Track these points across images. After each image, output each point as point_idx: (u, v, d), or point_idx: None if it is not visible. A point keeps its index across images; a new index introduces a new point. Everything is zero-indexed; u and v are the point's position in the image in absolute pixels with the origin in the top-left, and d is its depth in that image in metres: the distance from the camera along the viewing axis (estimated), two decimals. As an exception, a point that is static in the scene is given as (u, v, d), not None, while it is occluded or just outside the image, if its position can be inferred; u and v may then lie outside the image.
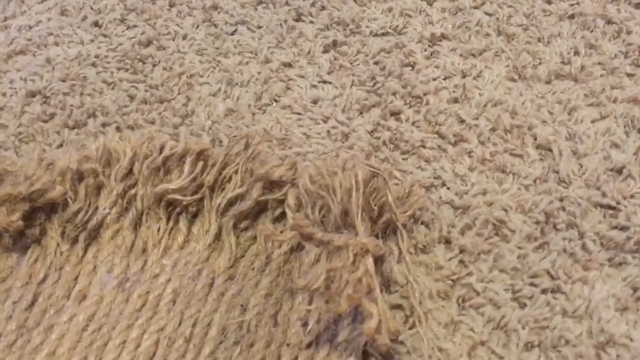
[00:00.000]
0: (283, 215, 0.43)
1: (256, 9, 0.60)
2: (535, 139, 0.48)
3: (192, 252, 0.42)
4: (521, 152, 0.47)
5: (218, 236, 0.43)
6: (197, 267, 0.42)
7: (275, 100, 0.53)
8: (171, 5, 0.61)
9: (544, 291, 0.40)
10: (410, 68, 0.54)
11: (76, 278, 0.42)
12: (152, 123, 0.52)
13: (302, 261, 0.40)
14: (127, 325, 0.40)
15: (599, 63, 0.53)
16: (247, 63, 0.56)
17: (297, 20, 0.59)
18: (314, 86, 0.53)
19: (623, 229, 0.42)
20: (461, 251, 0.42)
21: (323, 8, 0.59)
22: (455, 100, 0.51)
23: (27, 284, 0.42)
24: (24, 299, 0.41)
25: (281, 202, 0.43)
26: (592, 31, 0.55)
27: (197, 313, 0.39)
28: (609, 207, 0.44)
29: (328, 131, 0.50)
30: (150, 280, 0.42)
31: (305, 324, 0.38)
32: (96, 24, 0.60)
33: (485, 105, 0.50)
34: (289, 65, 0.55)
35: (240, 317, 0.39)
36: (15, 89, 0.55)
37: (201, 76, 0.55)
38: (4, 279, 0.42)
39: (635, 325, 0.39)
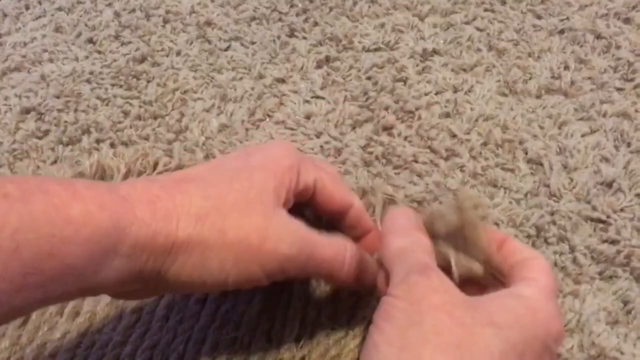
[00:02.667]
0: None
1: (250, 25, 0.61)
2: (526, 154, 0.48)
3: (185, 268, 0.43)
4: (512, 166, 0.48)
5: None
6: (191, 283, 0.42)
7: (269, 116, 0.53)
8: (165, 21, 0.62)
9: (535, 305, 0.40)
10: (403, 83, 0.54)
11: (69, 294, 0.42)
12: (146, 139, 0.52)
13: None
14: (121, 341, 0.40)
15: (589, 78, 0.53)
16: (240, 79, 0.56)
17: (290, 36, 0.59)
18: (307, 101, 0.54)
19: (613, 242, 0.43)
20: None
21: (316, 24, 0.60)
22: (447, 115, 0.51)
23: (20, 300, 0.42)
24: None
25: None
26: (581, 46, 0.56)
27: (190, 329, 0.40)
28: (600, 220, 0.44)
29: (321, 146, 0.50)
30: (143, 297, 0.42)
31: (297, 339, 0.38)
32: (90, 41, 0.61)
33: (476, 120, 0.51)
34: (282, 80, 0.56)
35: (233, 333, 0.39)
36: (9, 105, 0.55)
37: (195, 92, 0.55)
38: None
39: (625, 338, 0.39)
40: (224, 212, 0.33)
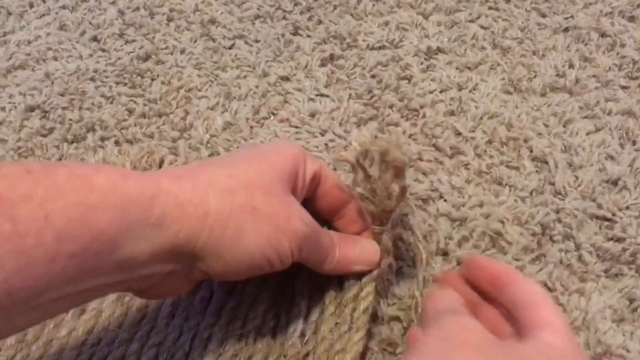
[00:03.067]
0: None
1: (254, 23, 0.61)
2: (531, 151, 0.48)
3: (190, 266, 0.43)
4: (517, 164, 0.48)
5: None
6: (196, 280, 0.42)
7: (273, 114, 0.53)
8: (169, 20, 0.62)
9: (541, 303, 0.40)
10: (407, 81, 0.54)
11: (75, 292, 0.42)
12: (151, 137, 0.52)
13: None
14: (127, 338, 0.40)
15: (594, 76, 0.53)
16: (245, 77, 0.56)
17: (294, 34, 0.59)
18: (312, 99, 0.54)
19: (619, 240, 0.43)
20: (459, 263, 0.42)
21: (320, 22, 0.60)
22: (452, 113, 0.51)
23: (26, 298, 0.42)
24: (23, 313, 0.41)
25: None
26: (586, 44, 0.56)
27: (195, 326, 0.40)
28: (605, 218, 0.44)
29: (326, 144, 0.50)
30: (149, 294, 0.42)
31: (302, 335, 0.38)
32: (95, 39, 0.61)
33: (481, 118, 0.51)
34: (286, 78, 0.56)
35: (239, 330, 0.39)
36: (14, 103, 0.55)
37: (199, 90, 0.55)
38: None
39: (631, 336, 0.39)
40: (249, 189, 0.33)
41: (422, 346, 0.31)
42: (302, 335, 0.39)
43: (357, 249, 0.39)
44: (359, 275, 0.39)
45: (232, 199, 0.33)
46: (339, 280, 0.40)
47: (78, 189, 0.28)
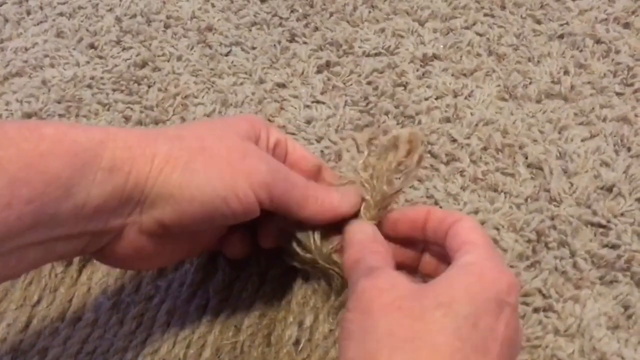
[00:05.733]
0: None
1: (250, 30, 0.61)
2: (526, 158, 0.48)
3: (186, 274, 0.43)
4: (512, 171, 0.48)
5: (212, 258, 0.43)
6: (192, 288, 0.42)
7: (270, 121, 0.53)
8: (166, 27, 0.62)
9: (536, 310, 0.40)
10: (403, 88, 0.54)
11: (71, 300, 0.43)
12: (147, 144, 0.52)
13: None
14: (122, 347, 0.40)
15: (589, 82, 0.53)
16: (241, 84, 0.56)
17: (290, 41, 0.59)
18: (308, 106, 0.54)
19: (614, 247, 0.43)
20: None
21: (316, 29, 0.60)
22: (447, 120, 0.51)
23: (21, 306, 0.42)
24: (19, 322, 0.41)
25: None
26: (581, 51, 0.56)
27: (191, 334, 0.40)
28: (600, 225, 0.44)
29: (322, 151, 0.50)
30: (144, 302, 0.42)
31: (296, 343, 0.39)
32: (92, 46, 0.61)
33: (476, 125, 0.51)
34: (282, 85, 0.56)
35: (234, 338, 0.39)
36: (11, 110, 0.55)
37: (196, 97, 0.55)
38: (-2, 302, 0.43)
39: (626, 343, 0.39)
40: (200, 136, 0.34)
41: (347, 324, 0.30)
42: (297, 342, 0.39)
43: (338, 192, 0.38)
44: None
45: (181, 142, 0.33)
46: (333, 285, 0.40)
47: (28, 138, 0.29)
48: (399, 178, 0.38)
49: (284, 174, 0.35)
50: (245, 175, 0.33)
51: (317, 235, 0.38)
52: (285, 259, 0.40)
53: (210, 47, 0.60)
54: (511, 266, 0.42)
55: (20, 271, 0.32)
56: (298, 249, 0.38)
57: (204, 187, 0.32)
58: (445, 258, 0.35)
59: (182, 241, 0.37)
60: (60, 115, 0.54)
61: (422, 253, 0.38)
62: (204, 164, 0.33)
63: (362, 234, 0.36)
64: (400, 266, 0.37)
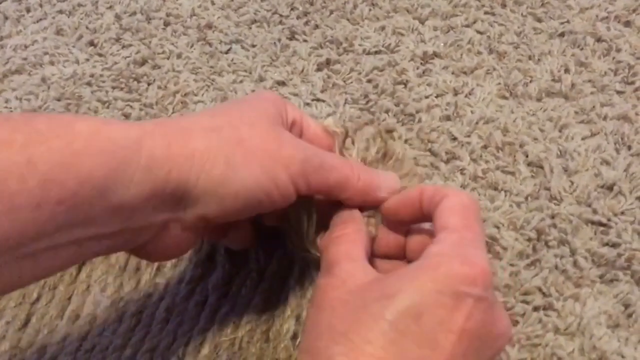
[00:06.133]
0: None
1: (250, 28, 0.61)
2: (527, 156, 0.48)
3: (185, 271, 0.43)
4: (513, 169, 0.48)
5: (211, 254, 0.43)
6: (190, 285, 0.42)
7: (269, 119, 0.53)
8: (166, 24, 0.62)
9: (536, 308, 0.40)
10: (403, 86, 0.54)
11: (70, 297, 0.43)
12: (147, 141, 0.52)
13: None
14: (121, 344, 0.40)
15: (589, 81, 0.53)
16: (241, 81, 0.56)
17: (290, 39, 0.59)
18: (308, 104, 0.54)
19: (614, 245, 0.43)
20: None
21: (316, 27, 0.60)
22: (448, 118, 0.51)
23: (20, 304, 0.42)
24: (18, 319, 0.41)
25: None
26: (582, 49, 0.56)
27: (189, 331, 0.40)
28: (600, 224, 0.44)
29: (321, 149, 0.50)
30: (143, 299, 0.42)
31: (294, 337, 0.38)
32: (91, 43, 0.61)
33: (477, 123, 0.51)
34: (282, 83, 0.56)
35: (232, 335, 0.39)
36: (10, 108, 0.55)
37: (195, 95, 0.55)
38: (-3, 299, 0.43)
39: (626, 342, 0.39)
40: (235, 125, 0.33)
41: (305, 319, 0.31)
42: (295, 336, 0.39)
43: (378, 174, 0.38)
44: None
45: (218, 134, 0.32)
46: None
47: (60, 135, 0.28)
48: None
49: (320, 159, 0.35)
50: (284, 166, 0.33)
51: (309, 222, 0.38)
52: (287, 243, 0.40)
53: (210, 44, 0.60)
54: (511, 264, 0.42)
55: (52, 270, 0.31)
56: (292, 235, 0.38)
57: (247, 182, 0.32)
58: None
59: (218, 228, 0.37)
60: (60, 113, 0.54)
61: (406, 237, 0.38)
62: (244, 157, 0.32)
63: (337, 217, 0.36)
64: (388, 255, 0.37)
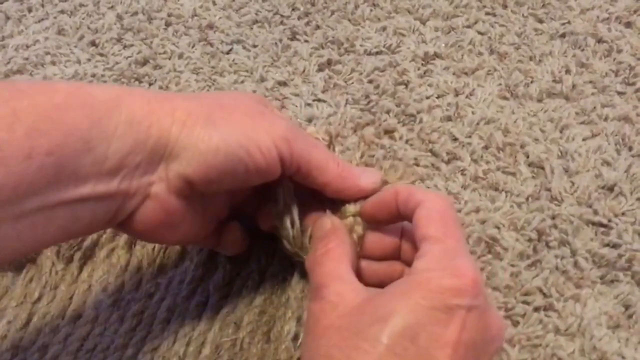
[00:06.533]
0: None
1: (252, 28, 0.61)
2: (528, 157, 0.48)
3: (186, 271, 0.43)
4: (514, 170, 0.48)
5: (212, 255, 0.43)
6: (192, 285, 0.42)
7: (270, 119, 0.53)
8: (167, 24, 0.62)
9: (536, 309, 0.40)
10: (404, 86, 0.54)
11: (71, 297, 0.43)
12: (148, 142, 0.52)
13: None
14: (122, 344, 0.40)
15: (590, 81, 0.53)
16: (242, 82, 0.56)
17: (292, 40, 0.59)
18: (309, 104, 0.54)
19: (615, 246, 0.43)
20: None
21: (318, 27, 0.60)
22: (449, 119, 0.51)
23: (22, 303, 0.42)
24: (19, 319, 0.41)
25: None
26: (583, 50, 0.56)
27: (191, 331, 0.40)
28: (601, 224, 0.44)
29: (322, 149, 0.50)
30: (144, 299, 0.42)
31: (295, 338, 0.39)
32: (93, 43, 0.61)
33: (478, 124, 0.51)
34: (284, 83, 0.56)
35: (233, 335, 0.39)
36: (12, 108, 0.55)
37: (197, 95, 0.55)
38: (-1, 298, 0.43)
39: (627, 343, 0.39)
40: (216, 95, 0.35)
41: (301, 346, 0.31)
42: (296, 337, 0.39)
43: (360, 168, 0.38)
44: None
45: (200, 99, 0.33)
46: None
47: (41, 91, 0.29)
48: None
49: (304, 133, 0.35)
50: (266, 129, 0.33)
51: (297, 225, 0.38)
52: (281, 247, 0.40)
53: (211, 45, 0.60)
54: (512, 265, 0.42)
55: (47, 238, 0.31)
56: (283, 239, 0.38)
57: (228, 138, 0.32)
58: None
59: (206, 206, 0.37)
60: (61, 113, 0.54)
61: (401, 239, 0.38)
62: (225, 118, 0.33)
63: (318, 230, 0.37)
64: (384, 256, 0.37)
